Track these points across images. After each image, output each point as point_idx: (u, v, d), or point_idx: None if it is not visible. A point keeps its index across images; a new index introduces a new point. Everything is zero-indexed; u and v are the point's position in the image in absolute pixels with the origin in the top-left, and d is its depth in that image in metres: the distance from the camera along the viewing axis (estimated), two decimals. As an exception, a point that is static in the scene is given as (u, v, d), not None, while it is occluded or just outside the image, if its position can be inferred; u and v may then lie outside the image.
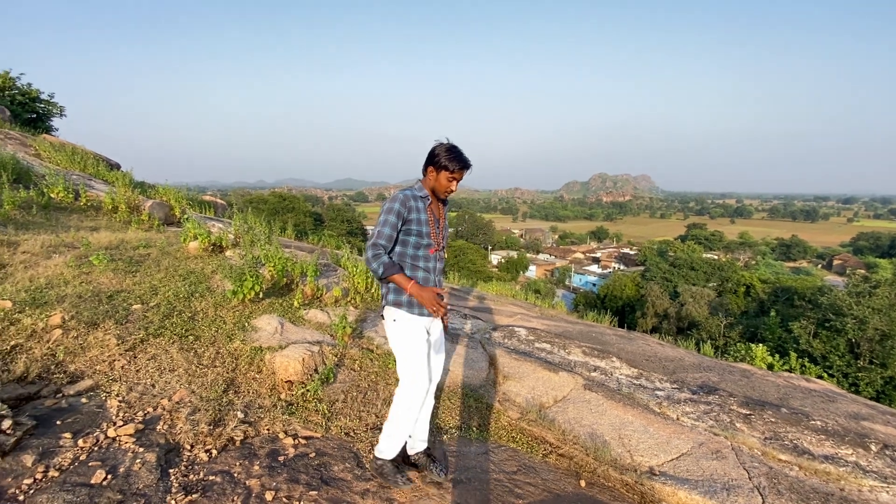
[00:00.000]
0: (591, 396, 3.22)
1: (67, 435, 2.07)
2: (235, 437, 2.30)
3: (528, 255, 65.41)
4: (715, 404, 3.17)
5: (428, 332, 2.15)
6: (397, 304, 2.07)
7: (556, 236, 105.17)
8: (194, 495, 1.88)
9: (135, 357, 2.80)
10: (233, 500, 1.88)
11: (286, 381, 2.87)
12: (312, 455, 2.28)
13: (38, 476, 1.81)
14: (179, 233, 5.50)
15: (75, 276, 3.65)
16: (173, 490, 1.89)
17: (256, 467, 2.11)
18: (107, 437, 2.11)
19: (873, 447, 2.68)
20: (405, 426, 2.12)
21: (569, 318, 6.43)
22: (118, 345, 2.83)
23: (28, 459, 1.87)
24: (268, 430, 2.43)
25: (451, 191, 2.10)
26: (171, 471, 2.00)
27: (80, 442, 2.04)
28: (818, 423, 2.95)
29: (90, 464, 1.92)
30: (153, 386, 2.57)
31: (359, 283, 4.64)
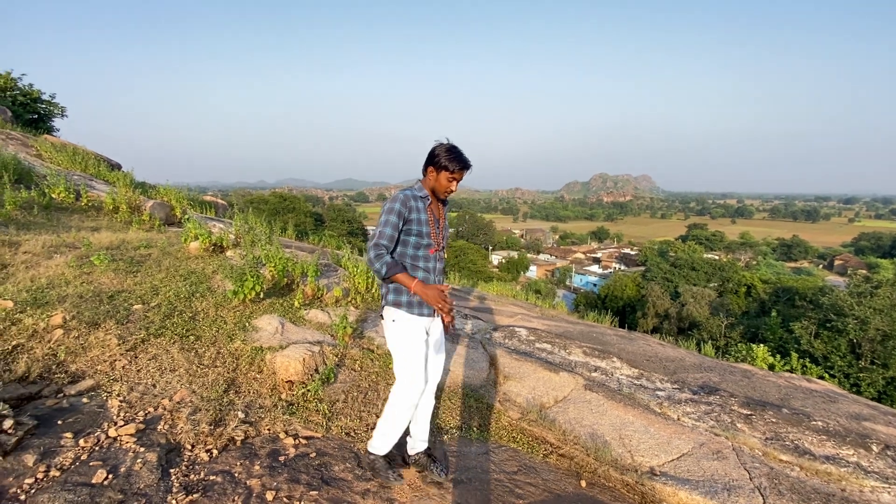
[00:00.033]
0: (591, 397, 3.22)
1: (68, 435, 2.07)
2: (236, 437, 2.31)
3: (528, 255, 65.38)
4: (716, 405, 3.17)
5: (427, 333, 2.15)
6: (397, 305, 2.08)
7: (557, 236, 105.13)
8: (195, 495, 1.88)
9: (136, 357, 2.80)
10: (233, 500, 1.89)
11: (287, 381, 2.88)
12: (313, 455, 2.28)
13: (40, 476, 1.81)
14: (180, 233, 5.50)
15: (76, 277, 3.66)
16: (174, 490, 1.89)
17: (257, 467, 2.11)
18: (108, 436, 2.11)
19: (875, 448, 2.68)
20: (399, 425, 2.13)
21: (569, 318, 6.43)
22: (119, 345, 2.84)
23: (29, 459, 1.88)
24: (268, 430, 2.44)
25: (451, 191, 2.10)
26: (171, 471, 2.00)
27: (82, 442, 2.04)
28: (819, 423, 2.94)
29: (91, 463, 1.92)
30: (154, 386, 2.58)
31: (359, 283, 4.65)
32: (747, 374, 3.94)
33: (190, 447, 2.18)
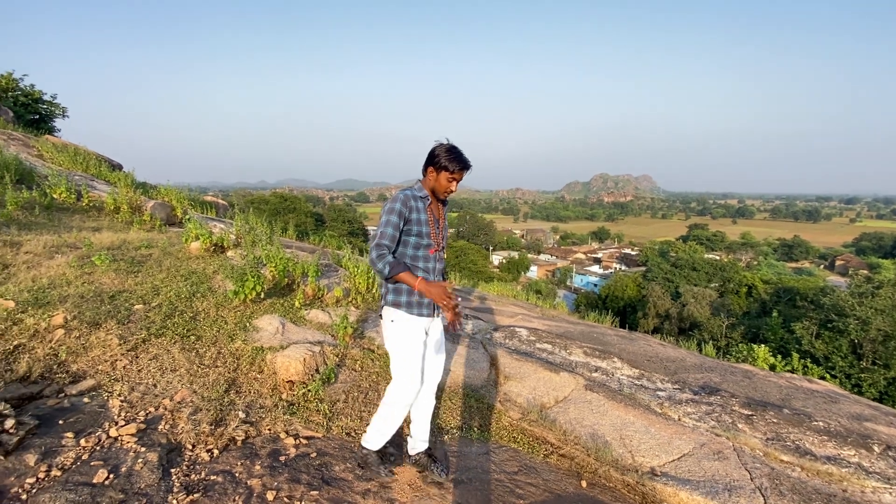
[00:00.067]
0: (592, 397, 3.21)
1: (70, 434, 2.07)
2: (237, 437, 2.31)
3: (529, 255, 65.35)
4: (717, 405, 3.16)
5: (427, 333, 2.15)
6: (396, 305, 2.08)
7: (558, 237, 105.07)
8: (196, 495, 1.88)
9: (137, 357, 2.81)
10: (234, 500, 1.89)
11: (287, 381, 2.88)
12: (314, 455, 2.28)
13: (41, 475, 1.81)
14: (181, 233, 5.51)
15: (77, 277, 3.67)
16: (175, 490, 1.89)
17: (258, 467, 2.11)
18: (109, 436, 2.11)
19: (876, 448, 2.67)
20: (393, 423, 2.16)
21: (570, 318, 6.43)
22: (120, 345, 2.84)
23: (31, 459, 1.88)
24: (269, 429, 2.44)
25: (451, 191, 2.10)
26: (172, 470, 2.00)
27: (83, 441, 2.05)
28: (820, 423, 2.94)
29: (92, 463, 1.93)
30: (155, 386, 2.58)
31: (360, 283, 4.65)
32: (748, 374, 3.93)
33: (191, 447, 2.18)
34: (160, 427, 2.26)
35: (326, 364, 3.12)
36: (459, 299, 2.17)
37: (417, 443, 2.32)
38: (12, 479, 1.78)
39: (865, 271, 34.61)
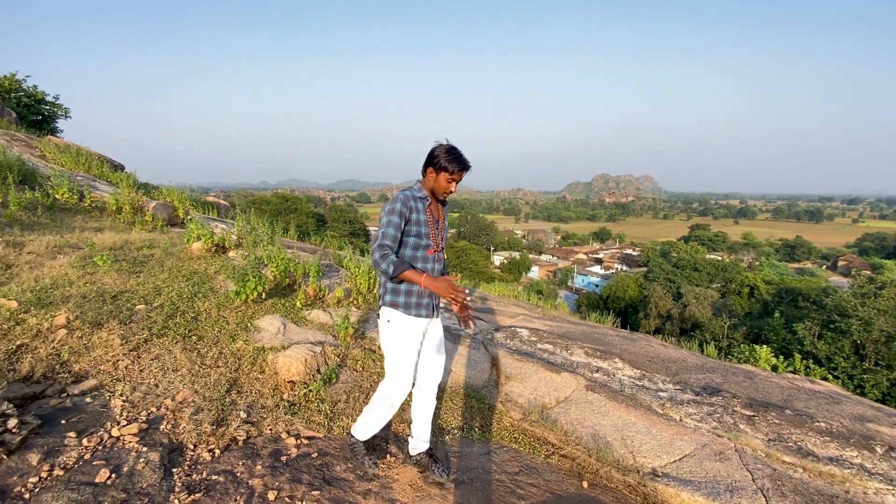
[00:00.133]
0: (593, 397, 3.21)
1: (72, 434, 2.08)
2: (238, 437, 2.31)
3: (530, 255, 65.30)
4: (718, 405, 3.16)
5: (424, 335, 2.15)
6: (394, 305, 2.08)
7: (559, 237, 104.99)
8: (197, 494, 1.89)
9: (138, 357, 2.81)
10: (235, 500, 1.89)
11: (289, 382, 2.88)
12: (315, 455, 2.28)
13: (44, 475, 1.82)
14: (183, 233, 5.52)
15: (80, 277, 3.68)
16: (176, 489, 1.90)
17: (259, 467, 2.12)
18: (111, 436, 2.12)
19: (879, 449, 2.66)
20: (381, 419, 2.21)
21: (571, 318, 6.43)
22: (122, 345, 2.85)
23: (33, 458, 1.89)
24: (270, 430, 2.44)
25: (451, 192, 2.10)
26: (174, 470, 2.01)
27: (85, 441, 2.05)
28: (823, 424, 2.93)
29: (94, 463, 1.93)
30: (157, 386, 2.59)
31: (361, 283, 4.65)
32: (750, 375, 3.92)
33: (192, 447, 2.19)
34: (162, 427, 2.27)
35: (328, 364, 3.12)
36: (468, 291, 2.18)
37: (419, 443, 2.32)
38: (15, 478, 1.78)
39: (868, 272, 34.51)
